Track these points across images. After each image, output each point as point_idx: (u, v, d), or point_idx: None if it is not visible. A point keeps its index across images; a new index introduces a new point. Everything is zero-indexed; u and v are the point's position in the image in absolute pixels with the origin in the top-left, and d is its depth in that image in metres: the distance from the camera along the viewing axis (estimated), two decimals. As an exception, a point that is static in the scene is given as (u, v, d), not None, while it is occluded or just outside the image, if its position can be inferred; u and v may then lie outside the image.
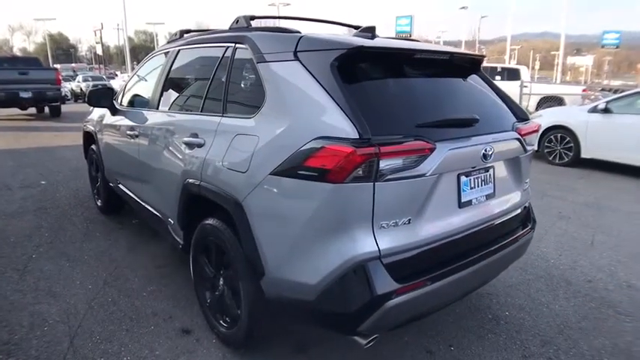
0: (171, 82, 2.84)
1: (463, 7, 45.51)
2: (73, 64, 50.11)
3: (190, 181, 2.28)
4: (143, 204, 3.08)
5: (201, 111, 2.38)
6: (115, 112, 3.50)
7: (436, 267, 1.84)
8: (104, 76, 27.79)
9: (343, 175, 1.57)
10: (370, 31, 2.08)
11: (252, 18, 2.37)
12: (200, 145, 2.21)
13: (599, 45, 40.80)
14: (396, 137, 1.66)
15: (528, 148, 2.29)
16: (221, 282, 2.25)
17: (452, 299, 2.09)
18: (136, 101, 3.33)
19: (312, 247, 1.69)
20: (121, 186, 3.58)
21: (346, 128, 1.60)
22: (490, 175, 2.08)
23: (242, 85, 2.19)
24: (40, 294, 2.78)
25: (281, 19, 2.53)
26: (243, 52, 2.17)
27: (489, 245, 2.11)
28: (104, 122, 3.68)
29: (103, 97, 3.46)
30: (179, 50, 2.80)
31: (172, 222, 2.60)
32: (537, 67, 66.07)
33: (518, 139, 2.19)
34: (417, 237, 1.75)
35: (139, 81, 3.43)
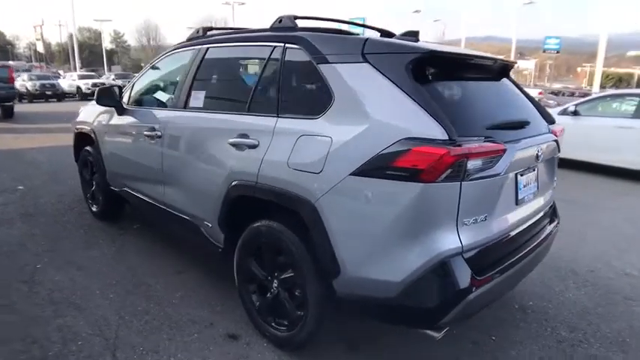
0: (202, 80, 2.74)
1: (416, 11, 47.16)
2: (11, 62, 46.48)
3: (239, 182, 2.23)
4: (164, 208, 2.95)
5: (247, 111, 2.33)
6: (122, 111, 3.33)
7: (501, 260, 1.94)
8: (51, 75, 25.97)
9: (435, 175, 1.62)
10: (414, 35, 2.15)
11: (296, 18, 2.36)
12: (253, 146, 2.17)
13: (540, 50, 43.77)
14: (474, 138, 1.74)
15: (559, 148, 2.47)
16: (275, 284, 2.22)
17: (508, 290, 2.20)
18: (152, 100, 3.18)
19: (397, 244, 1.72)
20: (128, 190, 3.41)
21: (435, 130, 1.65)
22: (535, 174, 2.21)
23: (299, 86, 2.18)
24: (60, 306, 2.59)
25: (322, 20, 2.53)
26: (296, 53, 2.16)
27: (534, 239, 2.25)
28: (110, 123, 3.48)
29: (112, 96, 3.27)
30: (208, 48, 2.72)
31: (210, 225, 2.53)
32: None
33: (555, 141, 2.36)
34: (490, 232, 1.84)
35: (154, 80, 3.29)
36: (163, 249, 3.46)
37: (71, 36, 44.77)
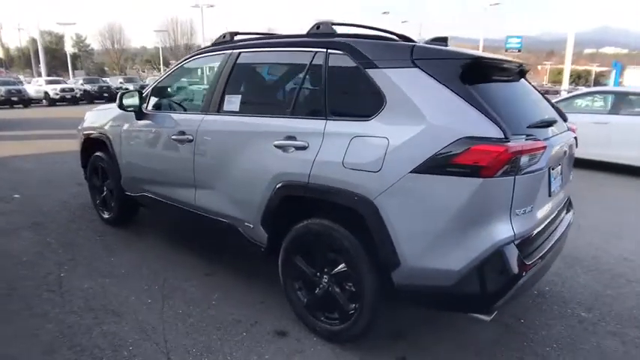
0: (236, 84, 2.79)
1: (385, 12, 48.12)
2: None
3: (287, 183, 2.30)
4: (194, 211, 2.97)
5: (291, 114, 2.40)
6: (142, 116, 3.31)
7: (540, 247, 2.11)
8: (15, 81, 24.77)
9: (494, 171, 1.77)
10: (444, 41, 2.30)
11: (334, 24, 2.46)
12: (303, 148, 2.24)
13: (503, 49, 45.44)
14: (522, 136, 1.90)
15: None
16: (325, 280, 2.30)
17: (542, 276, 2.37)
18: (177, 105, 3.19)
19: (457, 235, 1.85)
20: (149, 194, 3.39)
21: (492, 129, 1.80)
22: (560, 168, 2.40)
23: (346, 90, 2.27)
24: (98, 313, 2.57)
25: (357, 27, 2.63)
26: (340, 58, 2.26)
27: (560, 227, 2.45)
28: (128, 127, 3.45)
29: (134, 100, 3.25)
30: (240, 53, 2.77)
31: (251, 226, 2.58)
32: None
33: (575, 138, 2.56)
34: (533, 222, 2.01)
35: (178, 84, 3.29)
36: (184, 253, 3.46)
37: (34, 40, 42.88)
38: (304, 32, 2.53)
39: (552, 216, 2.31)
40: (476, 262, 1.84)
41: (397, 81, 2.03)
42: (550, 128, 2.25)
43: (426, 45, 2.13)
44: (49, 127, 12.03)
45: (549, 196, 2.21)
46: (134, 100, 3.25)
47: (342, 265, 2.21)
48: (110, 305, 2.67)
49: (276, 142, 2.36)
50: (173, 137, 2.99)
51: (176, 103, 3.18)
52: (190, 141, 2.87)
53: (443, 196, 1.85)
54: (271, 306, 2.68)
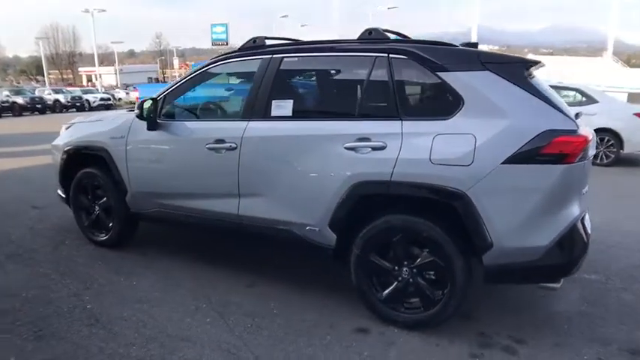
0: (284, 89, 2.75)
1: (284, 16, 48.65)
2: None
3: (365, 182, 2.37)
4: (234, 221, 2.87)
5: (358, 117, 2.48)
6: (156, 126, 3.07)
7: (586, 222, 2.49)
8: None
9: (574, 158, 2.08)
10: (475, 46, 2.60)
11: (386, 31, 2.60)
12: (381, 148, 2.33)
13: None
14: (581, 127, 2.23)
15: None
16: (405, 273, 2.42)
17: None
18: (204, 112, 3.01)
19: (544, 215, 2.12)
20: (168, 210, 3.16)
21: (568, 122, 2.11)
22: None
23: (417, 92, 2.42)
24: (163, 342, 2.36)
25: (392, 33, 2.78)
26: (404, 62, 2.40)
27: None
28: (139, 138, 3.15)
29: (154, 109, 3.00)
30: (282, 58, 2.74)
31: (316, 229, 2.58)
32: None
33: None
34: (586, 200, 2.37)
35: (200, 91, 3.10)
36: (213, 267, 3.29)
37: None
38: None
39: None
40: (559, 236, 2.14)
41: (472, 82, 2.24)
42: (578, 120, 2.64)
43: (490, 52, 2.38)
44: None
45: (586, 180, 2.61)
46: (155, 109, 3.00)
47: (426, 256, 2.35)
48: (169, 330, 2.47)
49: (347, 145, 2.41)
50: (208, 146, 2.84)
51: (205, 110, 3.01)
52: (233, 148, 2.76)
53: (532, 182, 2.11)
54: (335, 308, 2.71)
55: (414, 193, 2.30)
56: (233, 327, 2.51)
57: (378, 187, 2.36)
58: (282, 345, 2.35)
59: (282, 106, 2.69)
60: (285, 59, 2.75)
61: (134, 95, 11.61)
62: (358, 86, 2.58)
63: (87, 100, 26.80)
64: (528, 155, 2.09)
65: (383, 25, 2.86)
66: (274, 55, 2.77)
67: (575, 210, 2.19)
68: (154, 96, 3.08)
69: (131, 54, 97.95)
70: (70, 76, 65.08)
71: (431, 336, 2.42)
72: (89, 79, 60.78)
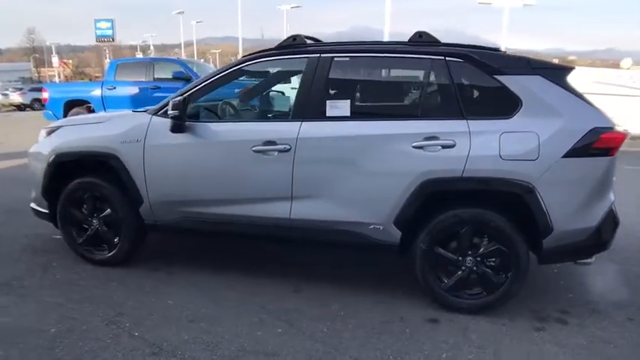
0: (339, 89, 2.72)
1: (180, 12, 46.01)
2: None
3: (434, 179, 2.49)
4: (282, 225, 2.78)
5: (420, 116, 2.59)
6: (183, 128, 2.80)
7: None
8: None
9: (616, 150, 2.46)
10: (497, 50, 2.92)
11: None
12: (450, 146, 2.48)
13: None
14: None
15: None
16: (469, 262, 2.60)
17: None
18: (243, 113, 2.82)
19: (594, 199, 2.49)
20: (198, 217, 2.93)
21: (609, 121, 2.47)
22: None
23: (477, 93, 2.59)
24: (248, 359, 2.21)
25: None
26: (461, 65, 2.58)
27: None
28: (162, 142, 2.83)
29: (184, 109, 2.71)
30: (333, 58, 2.71)
31: (380, 227, 2.63)
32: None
33: None
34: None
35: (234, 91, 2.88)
36: (250, 276, 3.12)
37: None
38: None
39: None
40: (602, 217, 2.52)
41: (528, 85, 2.50)
42: None
43: (538, 59, 2.67)
44: None
45: None
46: (185, 110, 2.72)
47: (491, 244, 2.56)
48: (247, 347, 2.32)
49: (416, 143, 2.51)
50: (255, 149, 2.70)
51: (244, 110, 2.82)
52: (287, 150, 2.66)
53: (585, 172, 2.45)
54: (395, 302, 2.79)
55: (484, 187, 2.49)
56: (311, 334, 2.44)
57: (449, 183, 2.51)
58: (370, 345, 2.36)
59: (339, 107, 2.68)
60: (335, 59, 2.74)
61: (44, 96, 10.08)
62: (416, 87, 2.69)
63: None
64: (582, 150, 2.41)
65: (283, 24, 3.03)
66: (322, 55, 2.74)
67: (611, 194, 2.60)
68: (183, 95, 2.80)
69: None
70: None
71: (494, 318, 2.64)
72: None
